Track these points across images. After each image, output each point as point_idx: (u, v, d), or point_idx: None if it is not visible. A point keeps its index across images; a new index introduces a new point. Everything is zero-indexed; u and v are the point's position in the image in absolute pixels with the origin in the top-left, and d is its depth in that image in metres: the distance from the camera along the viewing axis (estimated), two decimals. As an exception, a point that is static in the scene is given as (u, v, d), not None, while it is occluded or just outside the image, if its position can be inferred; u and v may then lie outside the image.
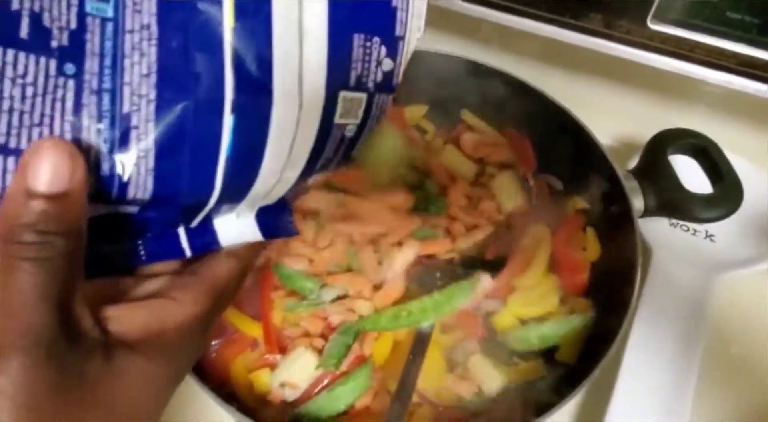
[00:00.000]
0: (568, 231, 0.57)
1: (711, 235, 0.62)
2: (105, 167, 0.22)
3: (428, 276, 0.51)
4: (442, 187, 0.58)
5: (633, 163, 0.61)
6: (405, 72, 0.66)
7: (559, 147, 0.60)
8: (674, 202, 0.53)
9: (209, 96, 0.21)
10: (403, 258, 0.51)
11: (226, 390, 0.46)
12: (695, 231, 0.63)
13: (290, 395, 0.46)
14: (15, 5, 0.20)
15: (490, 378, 0.49)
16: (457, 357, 0.50)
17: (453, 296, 0.49)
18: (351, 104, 0.25)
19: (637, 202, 0.54)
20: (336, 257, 0.52)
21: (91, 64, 0.21)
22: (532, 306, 0.53)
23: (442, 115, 0.65)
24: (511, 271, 0.54)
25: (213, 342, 0.48)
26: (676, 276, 0.57)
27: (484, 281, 0.50)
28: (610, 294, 0.52)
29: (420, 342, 0.47)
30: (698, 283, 0.57)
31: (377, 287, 0.51)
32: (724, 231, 0.62)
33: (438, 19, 0.67)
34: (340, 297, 0.50)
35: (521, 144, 0.63)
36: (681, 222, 0.63)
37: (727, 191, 0.52)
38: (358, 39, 0.24)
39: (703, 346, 0.53)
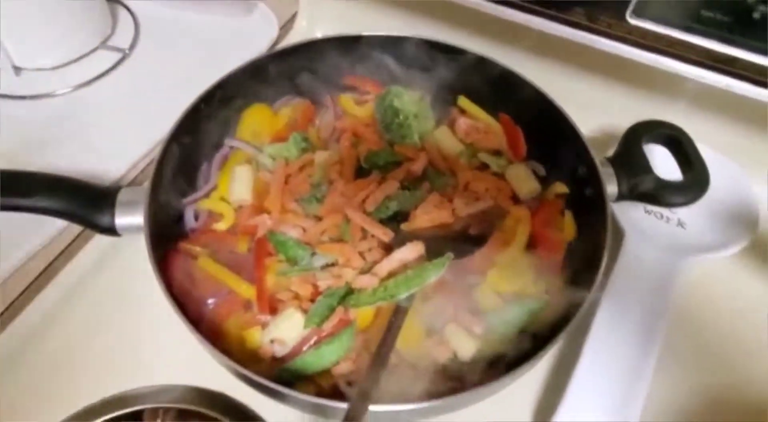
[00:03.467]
0: (547, 214, 0.61)
1: (682, 223, 0.66)
2: None
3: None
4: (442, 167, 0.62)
5: (611, 151, 0.65)
6: (403, 59, 0.69)
7: (544, 135, 0.64)
8: (645, 188, 0.57)
9: None
10: (405, 254, 0.54)
11: (220, 345, 0.50)
12: (668, 218, 0.66)
13: (279, 351, 0.50)
14: None
15: (464, 345, 0.52)
16: (435, 324, 0.54)
17: (422, 273, 0.52)
18: None
19: (611, 187, 0.57)
20: (328, 229, 0.55)
21: None
22: (510, 281, 0.57)
23: (440, 99, 0.69)
24: (492, 248, 0.57)
25: (209, 301, 0.52)
26: (646, 258, 0.61)
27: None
28: (581, 272, 0.56)
29: (398, 314, 0.50)
30: (667, 266, 0.60)
31: (364, 270, 0.54)
32: (695, 218, 0.66)
33: (437, 10, 0.71)
34: (329, 265, 0.54)
35: (514, 131, 0.66)
36: (655, 210, 0.67)
37: (694, 179, 0.56)
38: None
39: (666, 324, 0.56)
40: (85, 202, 0.52)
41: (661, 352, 0.55)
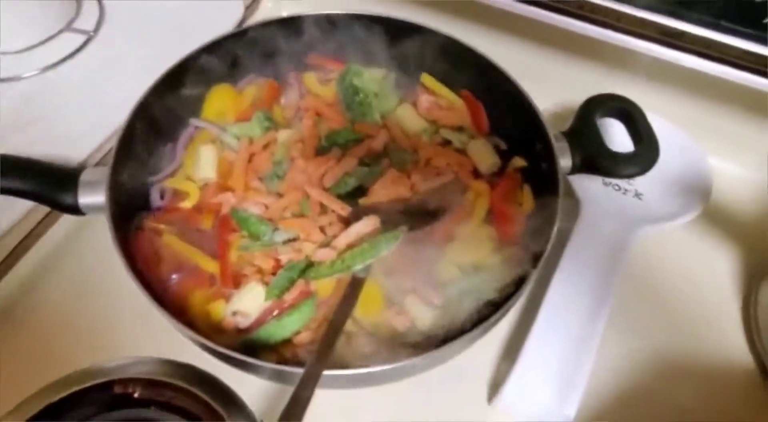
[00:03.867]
0: (506, 187, 0.63)
1: (639, 194, 0.68)
2: None
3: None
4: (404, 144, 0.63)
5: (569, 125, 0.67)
6: (366, 37, 0.70)
7: (505, 111, 0.65)
8: (597, 160, 0.58)
9: None
10: (361, 227, 0.55)
11: (184, 319, 0.52)
12: (626, 190, 0.68)
13: (242, 322, 0.52)
14: None
15: (423, 315, 0.54)
16: (395, 296, 0.56)
17: (376, 246, 0.53)
18: None
19: (565, 161, 0.59)
20: (289, 205, 0.57)
21: None
22: (468, 253, 0.59)
23: (403, 77, 0.70)
24: (452, 221, 0.59)
25: (173, 276, 0.54)
26: (602, 228, 0.63)
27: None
28: (538, 244, 0.58)
29: (354, 284, 0.52)
30: (622, 235, 0.63)
31: (324, 244, 0.56)
32: (652, 189, 0.68)
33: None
34: (291, 240, 0.56)
35: (476, 107, 0.68)
36: (614, 182, 0.69)
37: (645, 150, 0.57)
38: None
39: (618, 290, 0.58)
40: (49, 183, 0.53)
41: (612, 317, 0.57)
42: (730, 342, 0.61)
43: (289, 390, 0.54)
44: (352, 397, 0.54)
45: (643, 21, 0.55)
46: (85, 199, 0.53)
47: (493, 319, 0.50)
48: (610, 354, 0.57)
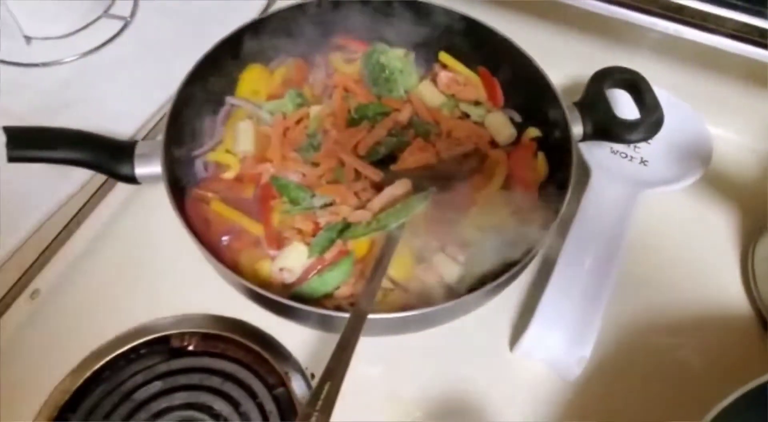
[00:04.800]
0: (522, 156, 0.68)
1: (645, 160, 0.73)
2: None
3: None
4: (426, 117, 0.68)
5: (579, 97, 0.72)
6: (388, 18, 0.75)
7: (519, 85, 0.70)
8: (607, 127, 0.64)
9: None
10: (394, 190, 0.60)
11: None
12: (632, 157, 0.73)
13: (288, 278, 0.57)
14: None
15: (450, 271, 0.60)
16: (424, 254, 0.61)
17: (409, 205, 0.59)
18: None
19: (576, 129, 0.64)
20: (325, 172, 0.62)
21: None
22: (489, 216, 0.64)
23: (422, 55, 0.75)
24: (474, 187, 0.64)
25: (224, 238, 0.59)
26: (610, 192, 0.68)
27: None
28: (553, 207, 0.63)
29: (390, 241, 0.57)
30: (628, 198, 0.68)
31: (359, 207, 0.61)
32: (656, 156, 0.73)
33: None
34: (327, 204, 0.61)
35: (491, 82, 0.73)
36: (621, 149, 0.74)
37: (649, 117, 0.62)
38: None
39: (626, 249, 0.64)
40: (107, 154, 0.58)
41: (620, 273, 0.62)
42: (730, 296, 0.66)
43: (331, 338, 0.60)
44: (385, 345, 0.59)
45: (648, -2, 0.60)
46: (141, 169, 0.58)
47: (512, 272, 0.55)
48: (617, 308, 0.62)
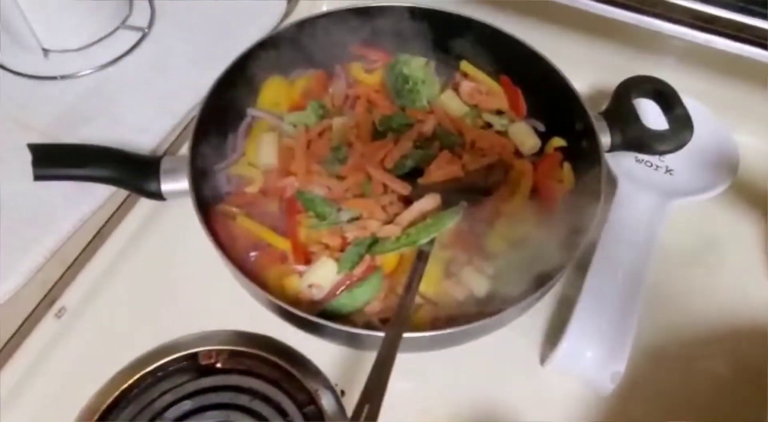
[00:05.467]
0: (547, 166, 0.67)
1: (670, 170, 0.72)
2: None
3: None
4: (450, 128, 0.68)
5: (603, 105, 0.71)
6: (407, 28, 0.74)
7: (542, 94, 0.69)
8: (635, 138, 0.63)
9: None
10: (424, 204, 0.60)
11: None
12: (657, 166, 0.73)
13: (317, 294, 0.56)
14: None
15: (479, 285, 0.59)
16: (453, 268, 0.60)
17: (440, 220, 0.58)
18: None
19: (605, 139, 0.63)
20: (351, 186, 0.61)
21: None
22: (515, 228, 0.63)
23: (442, 64, 0.74)
24: (499, 198, 0.64)
25: (251, 254, 0.58)
26: (637, 202, 0.68)
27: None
28: (580, 217, 0.62)
29: (422, 257, 0.57)
30: (656, 208, 0.67)
31: (387, 221, 0.60)
32: (681, 165, 0.72)
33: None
34: (354, 219, 0.60)
35: (513, 91, 0.72)
36: (646, 159, 0.73)
37: (679, 128, 0.62)
38: None
39: (655, 259, 0.63)
40: (133, 171, 0.57)
41: (650, 286, 0.62)
42: (761, 305, 0.66)
43: (360, 354, 0.59)
44: (414, 360, 0.58)
45: (678, 7, 0.59)
46: (167, 185, 0.58)
47: (545, 288, 0.54)
48: (648, 320, 0.62)
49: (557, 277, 0.55)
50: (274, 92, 0.71)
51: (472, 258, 0.61)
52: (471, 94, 0.72)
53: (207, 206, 0.61)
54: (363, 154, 0.62)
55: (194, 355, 0.58)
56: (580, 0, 0.63)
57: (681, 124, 0.61)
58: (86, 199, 0.63)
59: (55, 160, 0.54)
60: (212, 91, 0.63)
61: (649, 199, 0.68)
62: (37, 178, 0.53)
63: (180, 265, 0.63)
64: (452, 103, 0.71)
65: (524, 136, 0.69)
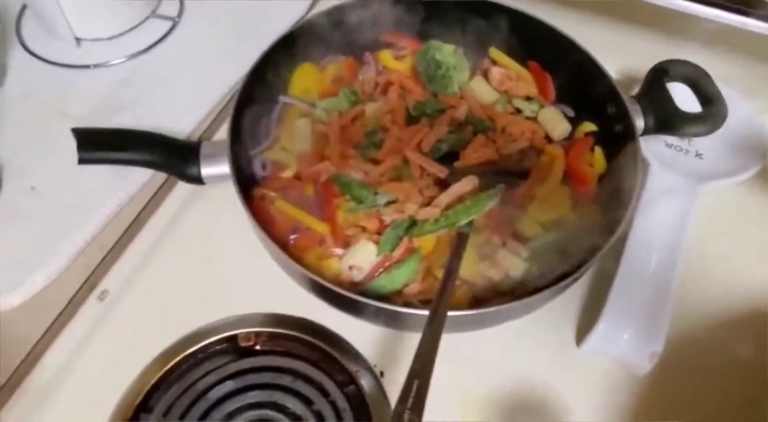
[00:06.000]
0: (578, 151, 0.67)
1: (700, 154, 0.72)
2: None
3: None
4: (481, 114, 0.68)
5: (635, 90, 0.71)
6: (435, 14, 0.74)
7: (572, 79, 0.70)
8: (669, 121, 0.63)
9: None
10: (462, 186, 0.60)
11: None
12: (687, 150, 0.73)
13: (356, 275, 0.57)
14: None
15: (515, 266, 0.59)
16: (487, 250, 0.61)
17: (479, 202, 0.59)
18: None
19: (639, 122, 0.63)
20: (388, 170, 0.62)
21: None
22: (548, 211, 0.64)
23: (473, 51, 0.74)
24: (532, 183, 0.64)
25: (291, 237, 0.59)
26: (669, 185, 0.68)
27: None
28: (613, 199, 0.62)
29: (461, 238, 0.57)
30: (687, 191, 0.67)
31: (424, 204, 0.61)
32: (711, 149, 0.72)
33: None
34: (391, 202, 0.61)
35: (542, 77, 0.72)
36: (675, 143, 0.73)
37: (713, 111, 0.62)
38: None
39: (687, 242, 0.63)
40: (174, 155, 0.58)
41: (683, 268, 0.62)
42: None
43: (398, 335, 0.60)
44: (453, 341, 0.59)
45: (711, -11, 0.59)
46: (207, 169, 0.58)
47: (582, 271, 0.54)
48: (682, 301, 0.62)
49: (593, 260, 0.55)
50: (305, 79, 0.72)
51: (507, 241, 0.61)
52: (501, 81, 0.72)
53: (245, 191, 0.61)
54: (400, 138, 0.63)
55: (234, 337, 0.59)
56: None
57: (715, 106, 0.62)
58: (123, 184, 0.64)
59: (98, 144, 0.55)
60: (247, 79, 0.63)
61: (681, 182, 0.68)
62: (82, 161, 0.54)
63: (217, 248, 0.64)
64: (482, 90, 0.71)
65: (554, 121, 0.70)
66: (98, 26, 0.75)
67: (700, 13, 0.61)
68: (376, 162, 0.63)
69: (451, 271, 0.52)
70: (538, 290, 0.53)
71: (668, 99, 0.64)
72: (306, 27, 0.70)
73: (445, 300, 0.50)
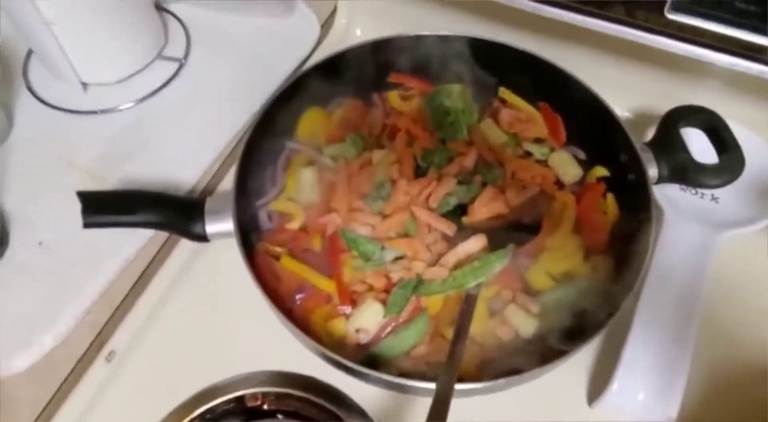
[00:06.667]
0: (590, 197, 0.66)
1: (716, 198, 0.70)
2: None
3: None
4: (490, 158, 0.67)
5: (648, 133, 0.69)
6: (445, 55, 0.73)
7: (583, 121, 0.68)
8: (684, 171, 0.61)
9: None
10: (469, 246, 0.59)
11: (309, 337, 0.56)
12: (702, 194, 0.71)
13: (363, 338, 0.56)
14: None
15: (524, 324, 0.58)
16: (497, 306, 0.60)
17: (488, 263, 0.57)
18: None
19: (652, 171, 0.62)
20: (395, 225, 0.61)
21: None
22: (560, 262, 0.62)
23: (480, 91, 0.73)
24: (542, 233, 0.63)
25: (297, 296, 0.58)
26: (684, 233, 0.66)
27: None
28: (627, 251, 0.61)
29: (469, 301, 0.56)
30: (703, 239, 0.65)
31: (432, 264, 0.59)
32: (728, 193, 0.70)
33: (474, 3, 0.74)
34: (398, 258, 0.60)
35: (553, 118, 0.71)
36: (690, 187, 0.71)
37: (730, 162, 0.60)
38: None
39: (704, 295, 0.62)
40: (179, 214, 0.58)
41: (702, 322, 0.60)
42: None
43: (405, 399, 0.59)
44: (461, 404, 0.58)
45: (729, 38, 0.57)
46: (211, 227, 0.58)
47: (597, 333, 0.53)
48: (701, 357, 0.60)
49: (604, 327, 0.54)
50: (312, 124, 0.71)
51: (516, 294, 0.60)
52: (510, 123, 0.71)
53: (250, 246, 0.61)
54: (407, 191, 0.62)
55: (241, 398, 0.58)
56: (622, 29, 0.61)
57: (732, 158, 0.60)
58: (130, 239, 0.64)
59: (103, 208, 0.55)
60: (252, 131, 0.63)
61: (697, 230, 0.66)
62: (87, 225, 0.54)
63: (224, 305, 0.63)
64: (491, 132, 0.70)
65: (566, 165, 0.68)
66: (104, 71, 0.75)
67: (716, 60, 0.59)
68: (384, 215, 0.62)
69: (458, 339, 0.52)
70: (548, 361, 0.52)
71: (682, 147, 0.62)
72: (312, 72, 0.69)
73: (453, 372, 0.49)
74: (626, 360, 0.57)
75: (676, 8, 0.58)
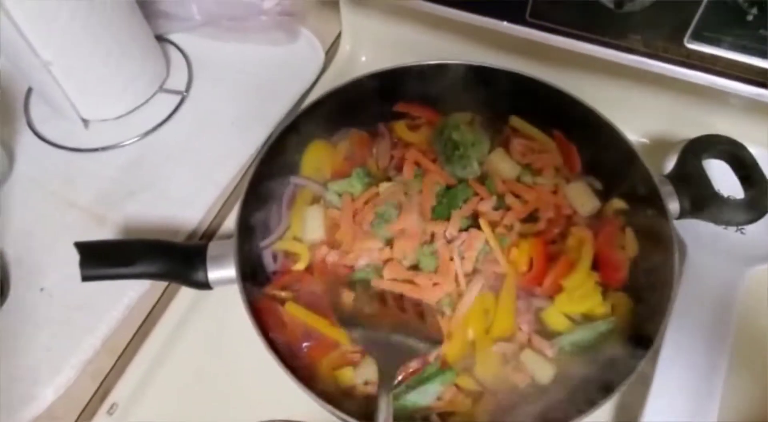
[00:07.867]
0: (608, 232, 0.63)
1: (741, 229, 0.67)
2: None
3: None
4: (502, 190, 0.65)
5: (667, 161, 0.66)
6: (452, 83, 0.70)
7: (599, 152, 0.65)
8: (707, 206, 0.58)
9: None
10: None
11: (315, 385, 0.54)
12: (726, 225, 0.67)
13: (372, 390, 0.54)
14: None
15: (541, 370, 0.56)
16: (510, 350, 0.57)
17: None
18: None
19: (673, 206, 0.59)
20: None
21: None
22: (577, 302, 0.59)
23: (490, 120, 0.70)
24: (558, 272, 0.60)
25: (303, 345, 0.56)
26: (709, 267, 0.63)
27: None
28: (648, 289, 0.58)
29: None
30: (729, 275, 0.62)
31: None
32: (754, 225, 0.66)
33: (480, 31, 0.71)
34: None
35: (567, 148, 0.68)
36: (713, 217, 0.68)
37: (758, 197, 0.57)
38: None
39: (733, 335, 0.58)
40: (181, 263, 0.56)
41: (729, 363, 0.57)
42: None
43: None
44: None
45: (753, 67, 0.54)
46: (214, 274, 0.56)
47: (617, 390, 0.50)
48: (732, 397, 0.57)
49: (625, 383, 0.51)
50: (317, 157, 0.69)
51: (532, 337, 0.58)
52: (523, 153, 0.68)
53: (255, 292, 0.59)
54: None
55: (247, 449, 0.56)
56: (640, 60, 0.58)
57: (759, 193, 0.57)
58: (132, 284, 0.62)
59: (101, 260, 0.53)
60: (255, 169, 0.61)
61: (722, 265, 0.63)
62: (85, 279, 0.52)
63: (228, 352, 0.62)
64: (504, 164, 0.67)
65: (582, 196, 0.65)
66: (105, 107, 0.74)
67: (740, 91, 0.56)
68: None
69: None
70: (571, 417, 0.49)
71: (705, 180, 0.59)
72: (316, 106, 0.66)
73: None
74: (651, 404, 0.55)
75: (697, 37, 0.55)
